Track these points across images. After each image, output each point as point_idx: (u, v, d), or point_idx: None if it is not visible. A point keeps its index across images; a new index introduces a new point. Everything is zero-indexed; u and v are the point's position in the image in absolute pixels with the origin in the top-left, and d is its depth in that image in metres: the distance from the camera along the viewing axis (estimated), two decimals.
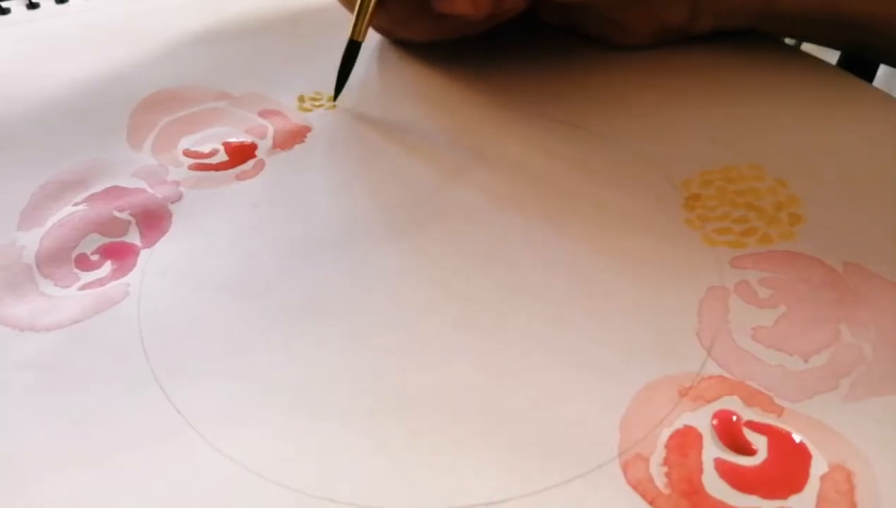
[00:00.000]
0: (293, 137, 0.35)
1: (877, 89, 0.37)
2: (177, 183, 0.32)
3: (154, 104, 0.37)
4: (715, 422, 0.23)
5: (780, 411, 0.23)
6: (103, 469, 0.22)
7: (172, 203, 0.31)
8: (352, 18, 0.35)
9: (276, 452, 0.23)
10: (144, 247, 0.30)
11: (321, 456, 0.22)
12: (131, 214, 0.31)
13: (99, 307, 0.27)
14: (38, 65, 0.41)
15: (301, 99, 0.37)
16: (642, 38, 0.39)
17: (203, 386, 0.25)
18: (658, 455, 0.22)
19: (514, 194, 0.31)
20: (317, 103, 0.37)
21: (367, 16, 0.34)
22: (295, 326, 0.26)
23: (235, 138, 0.35)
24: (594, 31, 0.40)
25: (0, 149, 0.34)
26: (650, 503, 0.21)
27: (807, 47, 0.44)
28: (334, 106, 0.37)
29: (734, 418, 0.23)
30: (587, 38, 0.40)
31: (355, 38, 0.35)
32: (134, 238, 0.30)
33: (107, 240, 0.30)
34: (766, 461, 0.22)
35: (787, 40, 0.42)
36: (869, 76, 0.48)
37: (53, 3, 0.47)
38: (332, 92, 0.37)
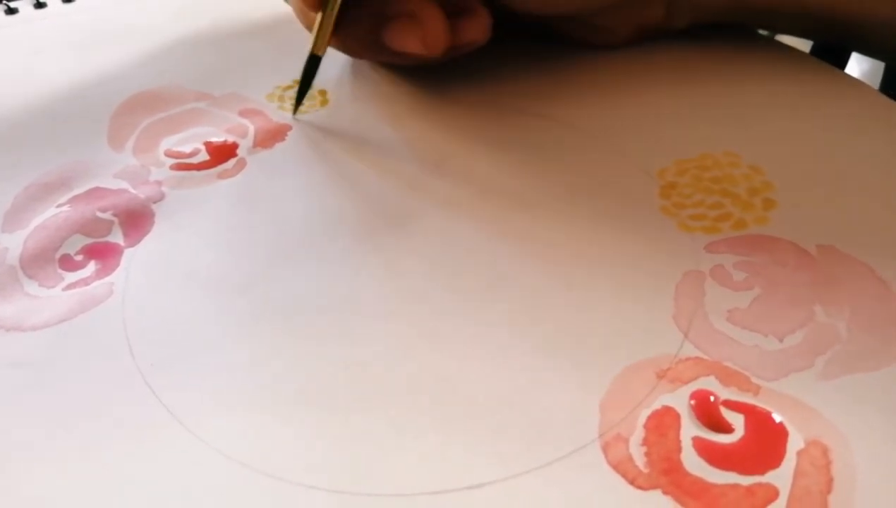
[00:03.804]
0: (274, 136, 0.35)
1: (849, 76, 0.37)
2: (159, 183, 0.33)
3: (135, 106, 0.37)
4: (692, 402, 0.23)
5: (756, 390, 0.23)
6: (91, 465, 0.23)
7: (155, 203, 0.32)
8: (311, 34, 0.35)
9: (261, 443, 0.23)
10: (128, 247, 0.30)
11: (306, 446, 0.23)
12: (114, 214, 0.31)
13: (84, 306, 0.28)
14: (18, 69, 0.41)
15: (281, 98, 0.38)
16: (621, 39, 0.40)
17: (189, 381, 0.25)
18: (637, 435, 0.22)
19: (493, 187, 0.32)
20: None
21: (328, 30, 0.34)
22: (279, 321, 0.27)
23: (216, 138, 0.35)
24: (573, 35, 0.40)
25: None
26: (630, 482, 0.21)
27: (781, 36, 0.44)
28: (314, 105, 0.37)
29: (711, 398, 0.23)
30: (565, 39, 0.40)
31: (316, 53, 0.35)
32: (117, 238, 0.30)
33: (90, 241, 0.30)
34: (743, 438, 0.22)
35: (762, 31, 0.42)
36: (841, 63, 0.48)
37: (32, 7, 0.47)
38: (310, 92, 0.37)
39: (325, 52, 0.35)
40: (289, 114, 0.37)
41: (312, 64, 0.35)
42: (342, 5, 0.33)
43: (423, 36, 0.32)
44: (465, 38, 0.34)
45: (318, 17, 0.34)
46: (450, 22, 0.33)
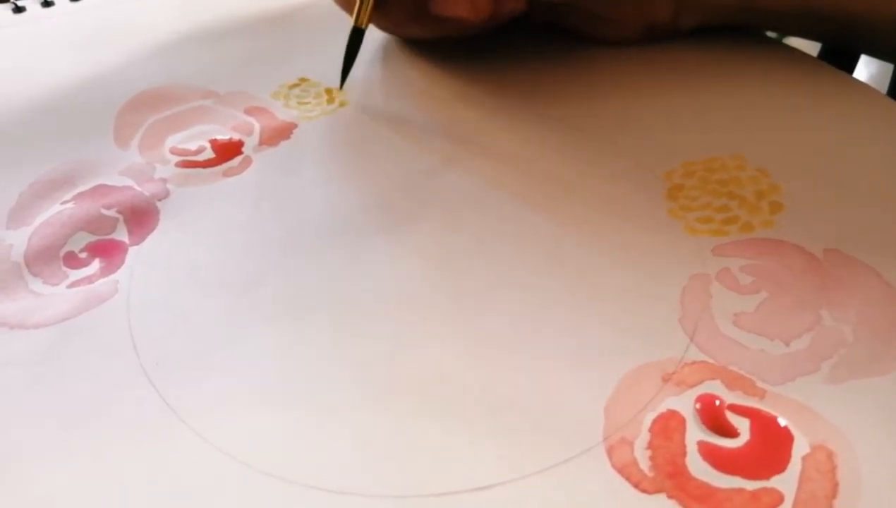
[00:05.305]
0: (279, 134, 0.35)
1: (856, 80, 0.37)
2: (164, 180, 0.33)
3: (140, 104, 0.37)
4: (698, 406, 0.23)
5: (762, 394, 0.23)
6: (94, 464, 0.22)
7: (160, 200, 0.32)
8: (353, 11, 0.35)
9: (265, 443, 0.23)
10: (132, 245, 0.30)
11: (310, 446, 0.23)
12: (119, 212, 0.31)
13: (88, 304, 0.27)
14: (25, 67, 0.41)
15: (287, 96, 0.38)
16: (629, 35, 0.40)
17: (193, 380, 0.25)
18: (642, 438, 0.22)
19: (501, 187, 0.32)
20: (302, 100, 0.37)
21: (370, 2, 0.35)
22: (283, 319, 0.27)
23: (222, 136, 0.35)
24: (581, 28, 0.40)
25: None
26: (635, 485, 0.21)
27: (789, 39, 0.44)
28: (320, 103, 0.37)
29: (717, 402, 0.23)
30: (574, 35, 0.40)
31: (358, 26, 0.35)
32: (122, 235, 0.30)
33: (95, 238, 0.30)
34: (748, 442, 0.22)
35: (770, 33, 0.42)
36: (850, 67, 0.48)
37: (39, 6, 0.47)
38: (315, 90, 0.37)
39: (367, 25, 0.36)
40: (294, 111, 0.37)
41: (356, 38, 0.36)
42: None
43: (472, 0, 0.33)
44: (506, 6, 0.35)
45: None
46: None
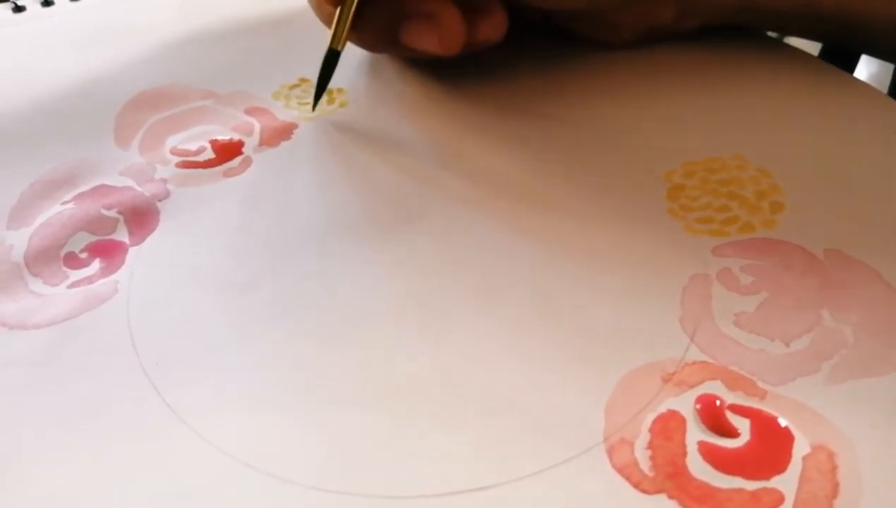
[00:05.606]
0: (280, 134, 0.35)
1: (857, 80, 0.37)
2: (164, 180, 0.33)
3: (141, 104, 0.37)
4: (698, 406, 0.23)
5: (762, 394, 0.23)
6: (94, 464, 0.23)
7: (160, 200, 0.32)
8: (329, 30, 0.34)
9: (266, 443, 0.23)
10: (133, 245, 0.30)
11: (310, 447, 0.23)
12: (119, 212, 0.31)
13: (88, 304, 0.27)
14: (25, 67, 0.41)
15: (287, 96, 0.38)
16: (630, 38, 0.40)
17: (193, 381, 0.25)
18: (642, 439, 0.22)
19: (500, 187, 0.32)
20: (303, 101, 0.37)
21: (347, 25, 0.34)
22: (283, 320, 0.27)
23: (222, 136, 0.35)
24: (581, 31, 0.40)
25: None
26: (635, 486, 0.21)
27: (789, 39, 0.44)
28: (323, 102, 0.37)
29: (717, 402, 0.23)
30: (574, 37, 0.40)
31: (334, 48, 0.34)
32: (122, 235, 0.30)
33: (95, 238, 0.30)
34: (749, 443, 0.22)
35: (770, 33, 0.42)
36: (850, 67, 0.48)
37: (39, 6, 0.47)
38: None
39: (343, 47, 0.35)
40: (295, 112, 0.37)
41: (331, 59, 0.35)
42: (360, 1, 0.33)
43: (441, 35, 0.32)
44: (480, 37, 0.34)
45: (337, 11, 0.33)
46: (466, 19, 0.33)
